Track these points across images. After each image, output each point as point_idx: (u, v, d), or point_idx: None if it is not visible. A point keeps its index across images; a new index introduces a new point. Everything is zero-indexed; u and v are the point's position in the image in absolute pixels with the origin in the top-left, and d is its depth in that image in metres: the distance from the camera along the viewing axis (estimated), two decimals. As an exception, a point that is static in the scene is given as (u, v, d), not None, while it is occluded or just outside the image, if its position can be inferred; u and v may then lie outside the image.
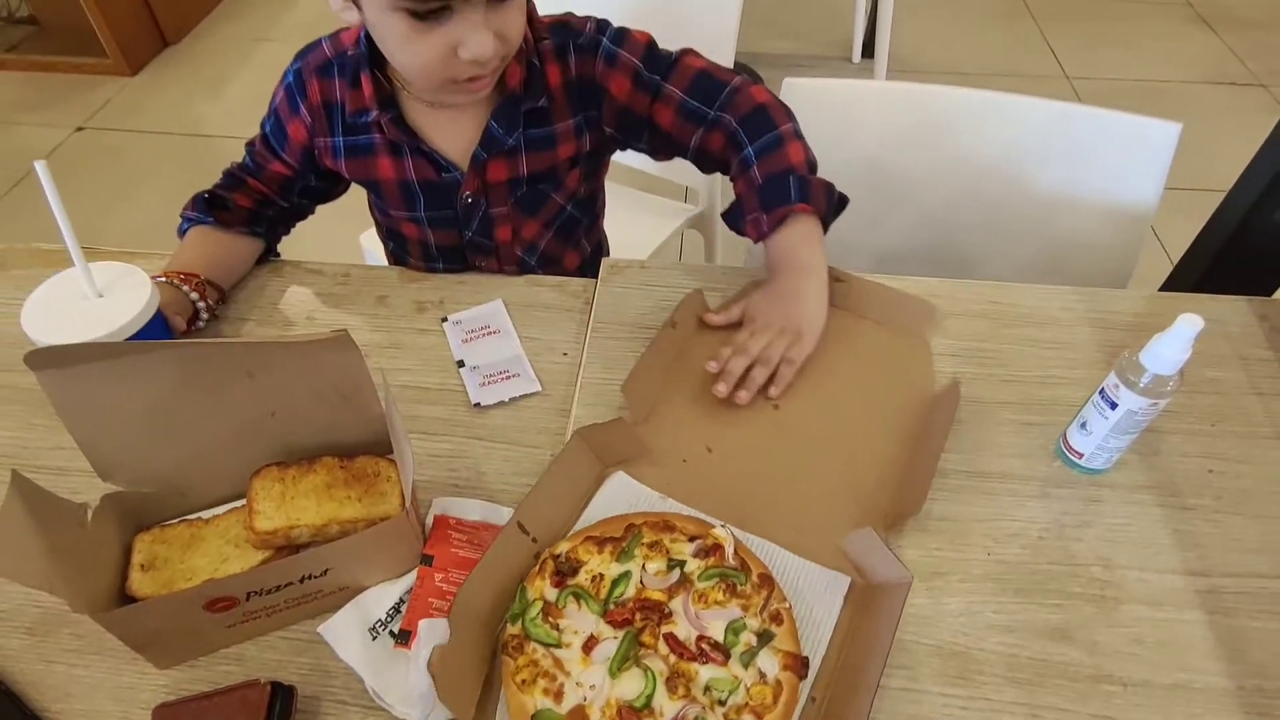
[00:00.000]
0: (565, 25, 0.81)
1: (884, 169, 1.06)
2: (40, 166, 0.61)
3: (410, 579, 0.61)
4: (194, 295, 0.77)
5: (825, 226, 0.78)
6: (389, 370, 0.77)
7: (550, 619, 0.57)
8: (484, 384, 0.76)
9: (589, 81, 0.81)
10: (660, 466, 0.69)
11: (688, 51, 0.83)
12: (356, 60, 0.78)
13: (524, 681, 0.54)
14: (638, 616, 0.56)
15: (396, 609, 0.59)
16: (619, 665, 0.54)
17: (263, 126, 0.86)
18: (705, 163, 0.85)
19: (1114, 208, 0.99)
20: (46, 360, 0.52)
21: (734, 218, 0.81)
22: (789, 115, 0.81)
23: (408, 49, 0.68)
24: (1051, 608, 0.61)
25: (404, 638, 0.57)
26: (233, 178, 0.87)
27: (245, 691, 0.54)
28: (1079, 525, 0.66)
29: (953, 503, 0.67)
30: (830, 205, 0.78)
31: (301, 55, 0.82)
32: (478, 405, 0.75)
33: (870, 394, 0.75)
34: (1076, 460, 0.68)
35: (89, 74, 2.62)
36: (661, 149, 0.87)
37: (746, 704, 0.53)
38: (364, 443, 0.64)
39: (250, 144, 0.88)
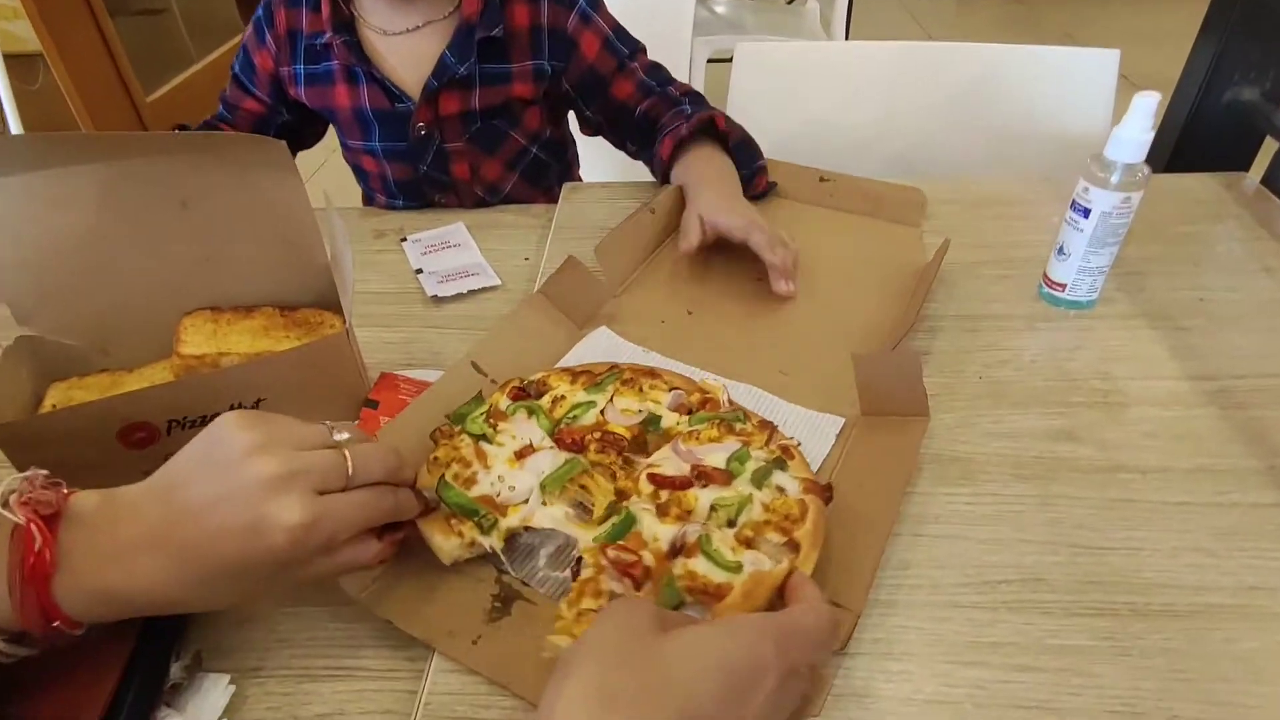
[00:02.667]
0: None
1: (839, 125, 1.08)
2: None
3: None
4: None
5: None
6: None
7: (492, 420, 0.51)
8: (442, 282, 0.73)
9: (560, 32, 0.83)
10: (637, 324, 0.65)
11: (644, 48, 0.90)
12: None
13: (435, 460, 0.48)
14: (592, 447, 0.49)
15: (337, 454, 0.54)
16: (557, 489, 0.47)
17: (232, 69, 0.87)
18: (635, 131, 0.87)
19: (1068, 137, 1.01)
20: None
21: (650, 144, 0.83)
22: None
23: None
24: (1053, 415, 0.56)
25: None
26: (207, 125, 0.88)
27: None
28: (1072, 348, 0.62)
29: (937, 339, 0.63)
30: (744, 151, 0.80)
31: None
32: (435, 298, 0.71)
33: (858, 269, 0.72)
34: (1060, 294, 0.65)
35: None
36: (599, 121, 0.89)
37: (767, 521, 0.44)
38: (308, 303, 0.61)
39: (222, 93, 0.89)
